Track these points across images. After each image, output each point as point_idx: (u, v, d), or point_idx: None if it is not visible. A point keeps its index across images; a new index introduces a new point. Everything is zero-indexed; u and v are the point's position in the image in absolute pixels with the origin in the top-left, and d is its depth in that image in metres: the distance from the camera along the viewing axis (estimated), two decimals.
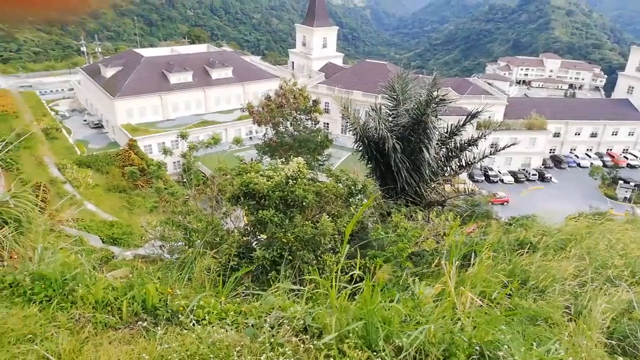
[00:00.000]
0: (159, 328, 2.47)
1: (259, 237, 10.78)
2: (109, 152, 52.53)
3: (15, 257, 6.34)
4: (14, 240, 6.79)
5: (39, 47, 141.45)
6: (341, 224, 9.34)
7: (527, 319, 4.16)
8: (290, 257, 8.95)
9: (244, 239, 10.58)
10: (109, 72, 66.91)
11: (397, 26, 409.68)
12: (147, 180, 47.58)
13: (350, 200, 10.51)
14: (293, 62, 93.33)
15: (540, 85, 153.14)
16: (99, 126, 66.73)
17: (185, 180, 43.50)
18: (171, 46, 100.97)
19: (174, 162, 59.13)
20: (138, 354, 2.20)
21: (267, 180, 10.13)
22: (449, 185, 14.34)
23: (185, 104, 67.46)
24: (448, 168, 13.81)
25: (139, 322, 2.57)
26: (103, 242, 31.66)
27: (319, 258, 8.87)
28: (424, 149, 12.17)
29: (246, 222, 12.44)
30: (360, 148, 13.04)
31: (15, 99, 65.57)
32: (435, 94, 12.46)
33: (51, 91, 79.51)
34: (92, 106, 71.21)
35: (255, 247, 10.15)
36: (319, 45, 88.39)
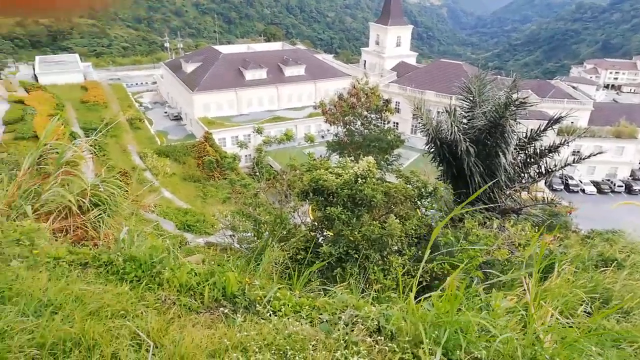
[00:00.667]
0: (238, 315, 2.57)
1: (325, 234, 10.89)
2: (186, 143, 55.25)
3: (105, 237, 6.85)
4: (102, 222, 7.34)
5: (127, 43, 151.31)
6: (409, 226, 9.21)
7: (611, 341, 3.89)
8: (356, 255, 8.97)
9: (311, 234, 10.74)
10: (189, 68, 70.27)
11: (475, 25, 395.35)
12: (221, 172, 49.67)
13: (420, 202, 10.33)
14: (365, 61, 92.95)
15: (632, 90, 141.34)
16: (178, 118, 70.34)
17: (256, 173, 44.82)
18: (248, 43, 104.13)
19: (245, 156, 61.12)
20: (219, 338, 2.31)
21: (336, 178, 10.19)
22: (526, 192, 13.66)
23: (259, 99, 69.40)
24: (525, 175, 13.16)
25: (220, 309, 2.69)
26: (177, 228, 33.41)
27: (385, 259, 8.81)
28: (500, 154, 11.68)
29: (312, 217, 12.61)
30: (432, 150, 12.75)
31: (105, 91, 70.73)
32: (514, 96, 11.91)
33: (136, 84, 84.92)
34: (172, 99, 75.19)
35: (321, 242, 10.28)
36: (392, 44, 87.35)
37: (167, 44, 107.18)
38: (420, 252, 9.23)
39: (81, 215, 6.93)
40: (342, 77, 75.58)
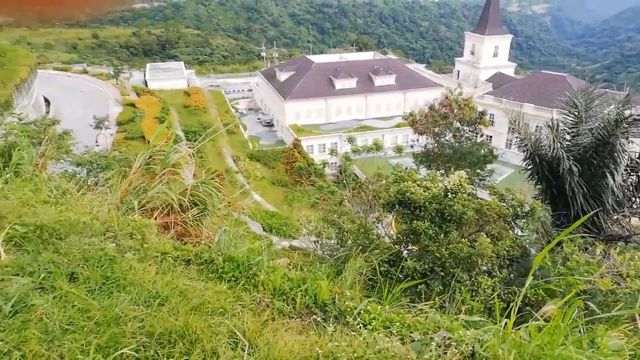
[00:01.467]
0: (329, 324, 2.61)
1: (409, 248, 10.68)
2: (276, 149, 57.31)
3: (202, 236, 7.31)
4: (199, 220, 7.84)
5: (227, 52, 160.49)
6: (501, 246, 8.74)
7: None
8: (442, 273, 8.69)
9: (395, 246, 10.59)
10: (282, 76, 72.84)
11: (582, 34, 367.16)
12: (308, 178, 50.88)
13: (514, 222, 9.78)
14: (459, 71, 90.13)
15: None
16: (269, 124, 73.13)
17: (343, 181, 45.17)
18: (340, 53, 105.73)
19: (331, 164, 61.92)
20: (310, 345, 2.36)
21: (424, 191, 9.96)
22: (637, 219, 12.39)
23: (347, 108, 70.06)
24: (637, 199, 11.94)
25: (312, 316, 2.75)
26: (264, 229, 34.68)
27: (473, 279, 8.44)
28: (608, 175, 10.72)
29: (396, 230, 12.42)
30: (530, 167, 12.02)
31: (205, 96, 75.56)
32: (627, 112, 10.89)
33: (234, 91, 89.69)
34: (266, 106, 78.35)
35: (405, 256, 10.09)
36: (489, 54, 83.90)
37: (263, 53, 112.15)
38: (511, 275, 8.72)
39: (181, 213, 7.49)
40: (434, 87, 73.97)
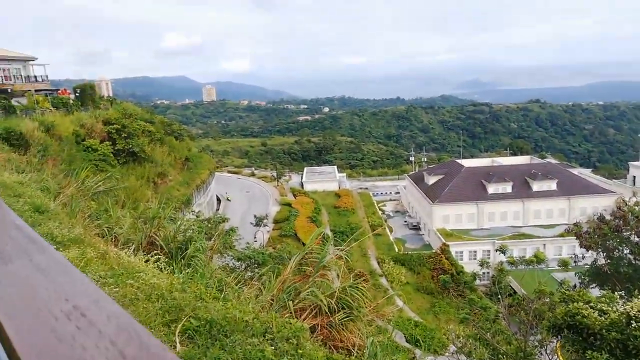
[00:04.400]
0: None
1: None
2: (423, 253, 55.65)
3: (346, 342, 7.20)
4: (344, 325, 7.79)
5: (377, 157, 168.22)
6: None
7: None
8: None
9: None
10: (431, 180, 72.91)
11: None
12: (456, 288, 47.75)
13: None
14: (635, 177, 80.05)
15: None
16: (416, 227, 72.30)
17: (495, 294, 41.42)
18: (492, 157, 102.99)
19: (483, 273, 57.64)
20: None
21: (600, 315, 8.59)
22: None
23: (501, 214, 66.23)
24: None
25: None
26: (406, 340, 32.78)
27: None
28: None
29: (562, 359, 10.72)
30: None
31: (354, 198, 78.71)
32: None
33: (381, 193, 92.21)
34: (412, 209, 78.28)
35: None
36: None
37: (412, 158, 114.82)
38: None
39: (329, 315, 7.55)
40: (603, 194, 66.59)
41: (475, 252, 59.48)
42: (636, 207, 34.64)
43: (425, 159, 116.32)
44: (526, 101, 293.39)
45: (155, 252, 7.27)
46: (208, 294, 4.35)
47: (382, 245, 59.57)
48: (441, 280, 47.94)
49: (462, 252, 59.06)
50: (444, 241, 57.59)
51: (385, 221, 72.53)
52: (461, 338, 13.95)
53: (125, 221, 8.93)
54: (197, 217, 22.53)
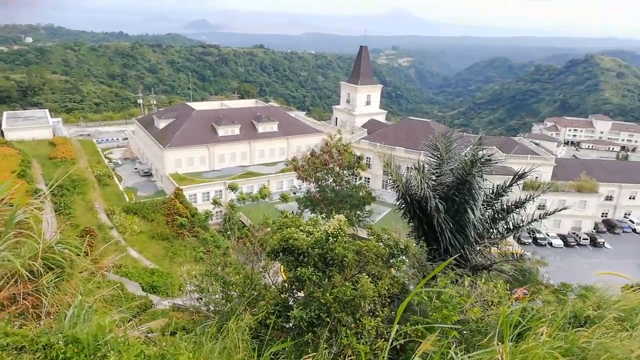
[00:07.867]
0: None
1: (297, 295, 10.50)
2: (156, 200, 54.14)
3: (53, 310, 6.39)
4: (56, 286, 6.90)
5: (99, 99, 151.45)
6: (382, 286, 8.98)
7: None
8: (328, 319, 8.61)
9: (282, 296, 10.33)
10: (162, 124, 70.37)
11: (441, 85, 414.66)
12: (191, 229, 48.42)
13: (392, 261, 10.16)
14: (337, 118, 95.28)
15: (590, 147, 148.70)
16: (148, 174, 69.47)
17: (226, 230, 43.95)
18: (221, 100, 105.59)
19: (216, 212, 60.23)
20: None
21: (307, 236, 9.98)
22: (496, 248, 13.70)
23: (231, 155, 69.58)
24: (494, 230, 13.25)
25: None
26: (143, 289, 32.00)
27: (357, 321, 8.49)
28: (468, 210, 11.78)
29: (285, 277, 12.23)
30: (402, 206, 12.77)
31: (74, 147, 69.69)
32: (480, 153, 12.18)
33: (107, 140, 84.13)
34: (143, 155, 74.58)
35: (292, 305, 9.88)
36: (362, 102, 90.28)
37: (140, 100, 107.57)
38: (393, 312, 8.97)
39: (35, 280, 6.51)
40: (314, 133, 76.93)
41: (208, 193, 61.37)
42: (339, 143, 41.51)
43: (155, 102, 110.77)
44: (252, 46, 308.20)
45: None
46: None
47: (112, 196, 55.32)
48: (177, 223, 47.93)
49: (195, 194, 60.09)
50: (177, 185, 57.33)
51: (113, 170, 67.23)
52: (197, 277, 14.25)
53: None
54: None
